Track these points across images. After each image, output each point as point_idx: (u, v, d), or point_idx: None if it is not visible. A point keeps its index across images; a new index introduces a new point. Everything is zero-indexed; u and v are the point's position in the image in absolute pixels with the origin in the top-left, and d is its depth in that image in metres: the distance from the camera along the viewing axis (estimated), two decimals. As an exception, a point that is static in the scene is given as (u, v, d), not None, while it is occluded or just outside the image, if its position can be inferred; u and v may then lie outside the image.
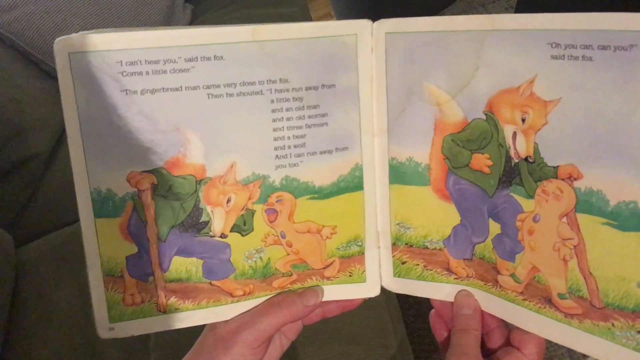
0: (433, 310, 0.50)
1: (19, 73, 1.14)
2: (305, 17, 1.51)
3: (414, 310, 0.45)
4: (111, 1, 1.32)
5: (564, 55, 0.39)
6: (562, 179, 0.40)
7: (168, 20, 1.48)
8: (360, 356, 0.74)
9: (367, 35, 0.45)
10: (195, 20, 1.61)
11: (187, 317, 0.47)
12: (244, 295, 0.47)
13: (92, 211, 0.44)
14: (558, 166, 0.40)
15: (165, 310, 0.46)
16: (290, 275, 0.48)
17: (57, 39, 0.41)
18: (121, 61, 0.41)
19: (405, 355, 0.79)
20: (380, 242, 0.49)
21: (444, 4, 1.75)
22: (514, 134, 0.42)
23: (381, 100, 0.46)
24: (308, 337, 0.77)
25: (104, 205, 0.44)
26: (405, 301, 0.92)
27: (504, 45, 0.41)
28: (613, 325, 0.40)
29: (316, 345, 0.75)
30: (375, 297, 0.50)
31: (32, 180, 1.08)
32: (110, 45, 0.41)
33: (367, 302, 0.50)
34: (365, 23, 0.45)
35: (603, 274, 0.40)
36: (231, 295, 0.47)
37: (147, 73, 0.42)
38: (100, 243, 0.44)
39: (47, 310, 0.84)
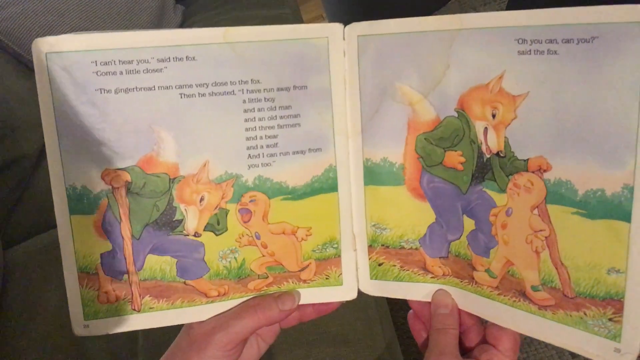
0: (411, 312, 0.50)
1: (7, 73, 1.14)
2: (297, 18, 1.51)
3: (403, 312, 0.45)
4: (101, 2, 1.32)
5: (530, 50, 0.40)
6: (533, 172, 0.41)
7: (159, 21, 1.48)
8: (348, 357, 0.74)
9: (338, 39, 0.46)
10: (186, 21, 1.60)
11: (162, 317, 0.47)
12: (218, 296, 0.47)
13: (67, 207, 0.44)
14: (528, 159, 0.41)
15: (139, 309, 0.46)
16: (266, 278, 0.48)
17: (35, 40, 0.42)
18: (96, 61, 0.42)
19: (394, 357, 0.78)
20: (357, 245, 0.49)
21: (435, 7, 1.77)
22: (485, 129, 0.43)
23: (355, 102, 0.47)
24: (296, 338, 0.76)
25: (79, 202, 0.44)
26: (395, 303, 0.91)
27: (473, 43, 0.42)
28: (585, 314, 0.40)
29: (304, 346, 0.75)
30: (364, 299, 0.50)
31: (21, 182, 1.08)
32: (85, 46, 0.42)
33: (356, 304, 0.50)
34: (336, 27, 0.46)
35: (574, 263, 0.40)
36: (206, 295, 0.47)
37: (121, 73, 0.43)
38: (75, 239, 0.45)
39: (34, 312, 0.83)
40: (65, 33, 0.42)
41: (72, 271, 0.45)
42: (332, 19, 1.95)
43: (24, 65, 1.22)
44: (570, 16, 0.38)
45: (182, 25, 1.58)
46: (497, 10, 1.68)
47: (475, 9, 1.69)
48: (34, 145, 1.07)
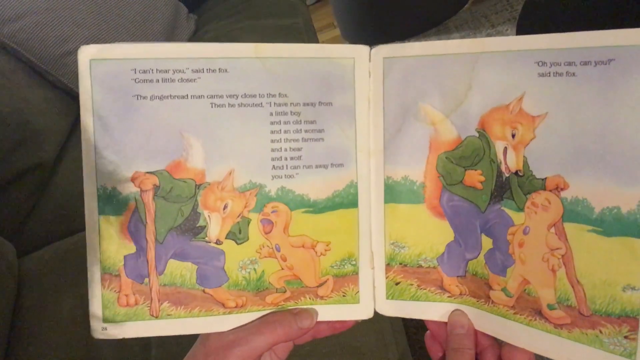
0: (428, 332, 0.50)
1: (23, 83, 1.17)
2: (308, 28, 1.53)
3: (415, 322, 0.45)
4: (115, 11, 1.35)
5: (549, 73, 0.41)
6: (550, 190, 0.42)
7: (172, 30, 1.50)
8: (362, 370, 0.73)
9: (364, 60, 0.48)
10: (199, 30, 1.63)
11: (179, 325, 0.47)
12: (236, 307, 0.48)
13: (97, 207, 0.46)
14: (546, 178, 0.42)
15: (157, 315, 0.47)
16: (284, 292, 0.49)
17: (81, 47, 0.45)
18: (135, 69, 0.45)
19: (407, 369, 0.78)
20: (375, 263, 0.50)
21: (447, 15, 1.78)
22: (505, 149, 0.44)
23: (378, 121, 0.49)
24: (309, 350, 0.76)
25: (108, 203, 0.46)
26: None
27: (495, 65, 0.44)
28: (601, 332, 0.40)
29: (317, 358, 0.74)
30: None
31: (36, 190, 1.09)
32: (126, 55, 0.45)
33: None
34: (362, 48, 0.48)
35: (590, 280, 0.41)
36: (223, 305, 0.47)
37: (157, 81, 0.45)
38: (101, 239, 0.46)
39: (48, 321, 0.84)
40: (80, 43, 0.45)
41: (96, 271, 0.46)
42: (342, 28, 1.96)
43: (39, 75, 1.25)
44: (588, 40, 0.40)
45: (195, 33, 1.59)
46: (509, 18, 1.68)
47: (487, 17, 1.70)
48: (49, 154, 1.10)
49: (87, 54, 0.45)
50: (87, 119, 0.45)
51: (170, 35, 1.50)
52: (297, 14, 1.57)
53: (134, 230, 0.46)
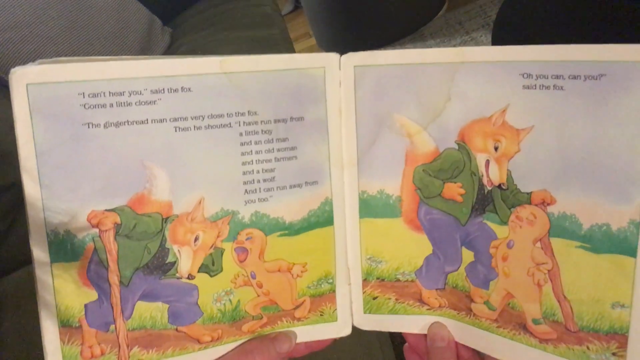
0: (406, 345, 0.49)
1: None
2: (285, 38, 1.49)
3: (402, 335, 0.45)
4: (88, 26, 1.30)
5: (535, 85, 0.40)
6: (536, 205, 0.41)
7: (147, 44, 1.45)
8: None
9: (335, 69, 0.45)
10: (174, 43, 1.57)
11: None
12: (212, 341, 0.44)
13: (48, 257, 0.39)
14: (531, 192, 0.41)
15: None
16: (261, 318, 0.46)
17: (13, 69, 0.37)
18: (83, 93, 0.38)
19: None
20: (351, 279, 0.48)
21: (422, 23, 1.77)
22: (487, 162, 0.43)
23: (350, 133, 0.46)
24: None
25: (62, 249, 0.40)
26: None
27: (476, 76, 0.42)
28: (588, 348, 0.41)
29: None
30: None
31: (11, 210, 1.01)
32: (71, 76, 0.38)
33: (355, 328, 0.48)
34: (332, 56, 0.45)
35: (577, 297, 0.41)
36: (198, 341, 0.44)
37: (111, 105, 0.39)
38: (56, 291, 0.40)
39: (28, 345, 0.77)
40: (47, 59, 0.38)
41: (53, 327, 0.40)
42: (318, 36, 1.93)
43: (12, 92, 1.18)
44: (578, 53, 0.38)
45: (170, 47, 1.56)
46: (483, 24, 1.70)
47: (461, 24, 1.70)
48: (23, 174, 1.02)
49: (22, 77, 0.37)
50: (27, 155, 0.38)
51: (145, 48, 1.44)
52: (273, 24, 1.52)
53: (94, 276, 0.40)
